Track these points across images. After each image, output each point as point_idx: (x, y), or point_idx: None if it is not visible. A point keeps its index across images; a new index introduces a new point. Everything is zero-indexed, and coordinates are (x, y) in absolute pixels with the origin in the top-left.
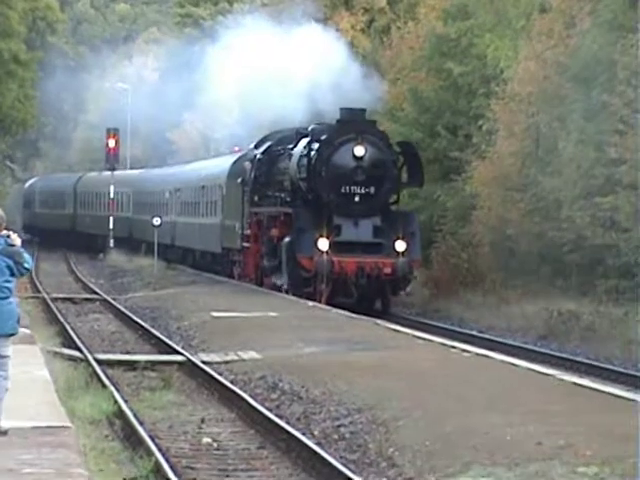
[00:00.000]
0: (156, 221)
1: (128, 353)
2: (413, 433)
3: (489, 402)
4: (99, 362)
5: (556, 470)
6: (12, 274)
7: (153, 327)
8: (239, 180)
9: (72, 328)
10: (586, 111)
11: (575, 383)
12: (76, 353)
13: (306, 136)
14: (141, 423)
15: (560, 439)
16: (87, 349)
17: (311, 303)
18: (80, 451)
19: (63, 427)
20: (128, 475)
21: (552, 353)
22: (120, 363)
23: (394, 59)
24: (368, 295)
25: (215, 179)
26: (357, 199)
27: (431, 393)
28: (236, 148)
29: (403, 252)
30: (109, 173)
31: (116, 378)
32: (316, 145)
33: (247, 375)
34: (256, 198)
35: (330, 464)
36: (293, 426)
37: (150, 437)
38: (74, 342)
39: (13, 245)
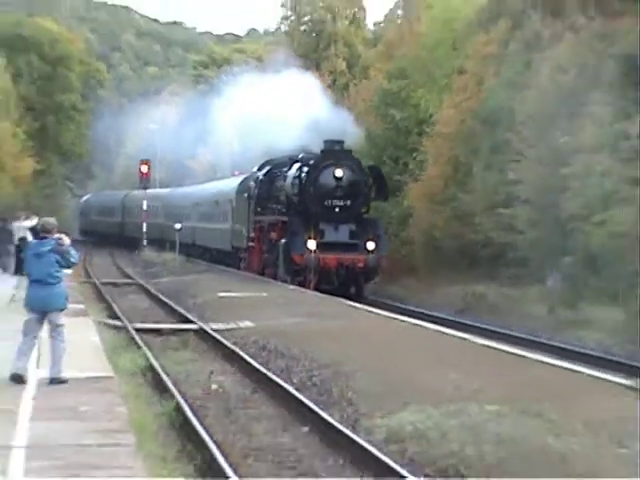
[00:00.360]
0: (177, 226)
1: (157, 323)
2: (366, 381)
3: (422, 359)
4: (136, 330)
5: (471, 408)
6: (61, 266)
7: (175, 304)
8: (245, 195)
9: (115, 305)
10: (492, 145)
11: (484, 345)
12: (118, 323)
13: (297, 162)
14: (166, 374)
15: (474, 385)
16: (127, 320)
17: (292, 287)
18: (121, 395)
19: (109, 377)
20: (156, 412)
21: (467, 323)
22: (151, 330)
23: (352, 108)
24: (345, 283)
25: (226, 195)
26: (337, 210)
27: (379, 352)
28: (236, 172)
29: (373, 250)
30: (147, 192)
31: (148, 341)
32: (305, 169)
33: (243, 339)
34: (259, 209)
35: (305, 404)
36: (278, 376)
37: (172, 384)
38: (117, 315)
39: (62, 245)
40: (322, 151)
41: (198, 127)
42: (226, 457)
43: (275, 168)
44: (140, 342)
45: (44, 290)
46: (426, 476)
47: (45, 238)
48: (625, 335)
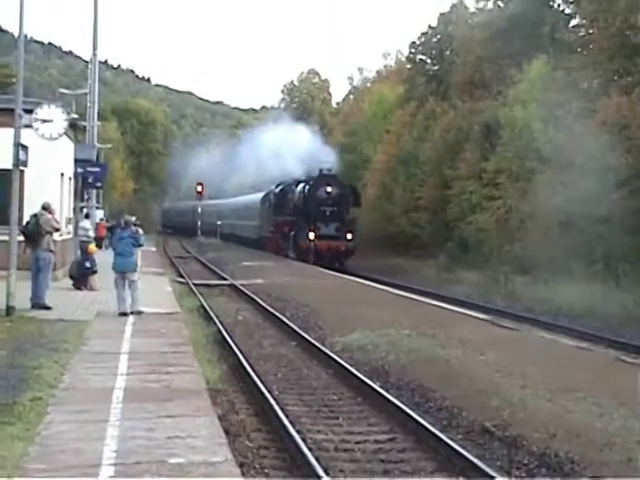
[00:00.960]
0: (219, 222)
1: (206, 279)
2: (330, 316)
3: (363, 302)
4: (193, 284)
5: (391, 331)
6: (134, 245)
7: (217, 268)
8: (267, 204)
9: (182, 269)
10: (406, 176)
11: (399, 295)
12: (183, 280)
13: (302, 182)
14: (211, 310)
15: (394, 318)
16: (188, 278)
17: (287, 260)
18: (185, 322)
19: (177, 312)
20: (205, 333)
21: (390, 281)
22: (202, 284)
23: None
24: (332, 260)
25: (254, 203)
26: (328, 213)
27: (340, 300)
28: (251, 191)
29: (350, 239)
30: (200, 202)
31: (201, 291)
32: (307, 187)
33: (257, 289)
34: (275, 212)
35: (293, 328)
36: (277, 311)
37: (215, 316)
38: (182, 275)
39: (137, 233)
40: (318, 175)
41: (230, 163)
42: (247, 359)
43: (286, 186)
44: (196, 291)
45: (123, 259)
46: (358, 368)
47: (125, 228)
48: (482, 289)
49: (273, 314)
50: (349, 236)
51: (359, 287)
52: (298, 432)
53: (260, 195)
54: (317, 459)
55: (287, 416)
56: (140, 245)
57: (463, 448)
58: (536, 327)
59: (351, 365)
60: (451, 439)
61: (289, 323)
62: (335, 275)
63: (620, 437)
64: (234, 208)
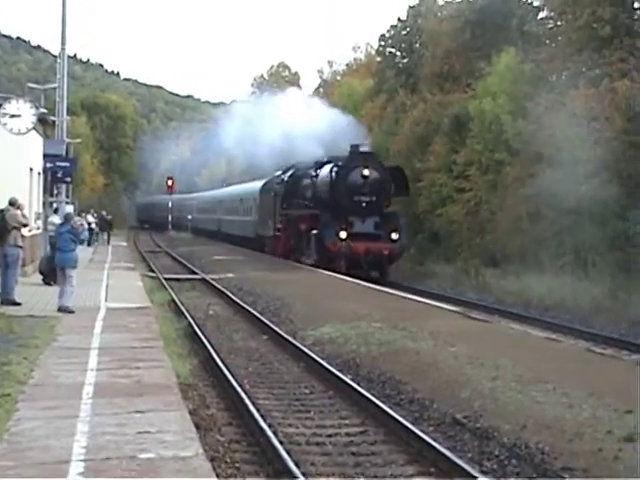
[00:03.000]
0: (189, 217)
1: (177, 274)
2: (302, 309)
3: (334, 296)
4: (164, 278)
5: (362, 324)
6: (73, 241)
7: (187, 262)
8: (272, 194)
9: (153, 263)
10: None
11: (370, 288)
12: (154, 274)
13: (327, 164)
14: (182, 304)
15: (365, 311)
16: (159, 272)
17: (258, 254)
18: (155, 317)
19: (147, 307)
20: (176, 327)
21: (362, 274)
22: (173, 279)
23: None
24: (371, 268)
25: (249, 195)
26: (364, 205)
27: (311, 293)
28: (224, 183)
29: (396, 240)
30: (179, 196)
31: (171, 285)
32: (336, 169)
33: (228, 283)
34: (284, 205)
35: (265, 322)
36: (248, 305)
37: (186, 310)
38: (153, 269)
39: (76, 228)
40: (350, 153)
41: (200, 157)
42: (218, 353)
43: (301, 171)
44: (167, 285)
45: (62, 254)
46: (329, 361)
47: (65, 224)
48: (453, 281)
49: (244, 308)
50: (394, 235)
51: (331, 280)
52: (269, 426)
53: (258, 184)
54: (288, 453)
55: (258, 410)
56: (81, 241)
57: (434, 440)
58: (507, 319)
59: (322, 358)
60: (422, 431)
61: (260, 317)
62: (307, 269)
63: (590, 427)
64: (219, 201)
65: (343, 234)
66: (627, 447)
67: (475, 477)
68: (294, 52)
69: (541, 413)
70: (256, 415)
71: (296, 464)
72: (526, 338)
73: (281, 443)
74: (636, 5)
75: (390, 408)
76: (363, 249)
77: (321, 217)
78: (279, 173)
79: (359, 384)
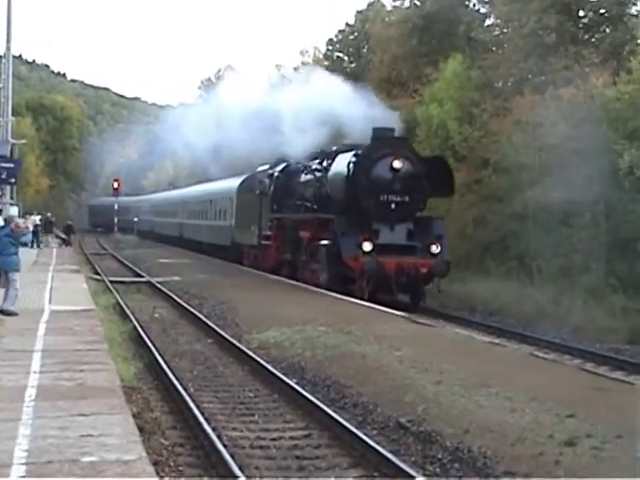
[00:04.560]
0: (135, 219)
1: (122, 276)
2: (247, 313)
3: (282, 300)
4: (109, 281)
5: (308, 328)
6: (13, 244)
7: (133, 265)
8: (257, 192)
9: (98, 266)
10: None
11: (316, 292)
12: (99, 277)
13: (340, 153)
14: (127, 307)
15: (311, 315)
16: (104, 275)
17: (204, 257)
18: (100, 320)
19: (92, 310)
20: (121, 330)
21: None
22: (119, 282)
23: None
24: (405, 289)
25: (224, 194)
26: (393, 206)
27: (257, 297)
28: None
29: (436, 253)
30: (122, 199)
31: (117, 288)
32: (355, 160)
33: (174, 286)
34: (275, 206)
35: (210, 326)
36: (194, 309)
37: (131, 313)
38: (98, 272)
39: (17, 231)
40: (374, 139)
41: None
42: (162, 357)
43: (294, 164)
44: (112, 288)
45: (2, 258)
46: (274, 365)
47: (4, 227)
48: None
49: (190, 311)
50: (434, 248)
51: (277, 284)
52: (213, 429)
53: (234, 182)
54: (232, 456)
55: (202, 413)
56: (21, 244)
57: (378, 444)
58: (452, 323)
59: (267, 362)
60: (366, 435)
61: (206, 320)
62: (253, 272)
63: (532, 432)
64: (181, 202)
65: (367, 246)
66: (568, 451)
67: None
68: (241, 55)
69: (484, 417)
70: (200, 418)
71: (240, 468)
72: (470, 342)
73: (225, 447)
74: (581, 13)
75: (334, 412)
76: (394, 266)
77: (336, 223)
78: (264, 168)
79: (304, 388)
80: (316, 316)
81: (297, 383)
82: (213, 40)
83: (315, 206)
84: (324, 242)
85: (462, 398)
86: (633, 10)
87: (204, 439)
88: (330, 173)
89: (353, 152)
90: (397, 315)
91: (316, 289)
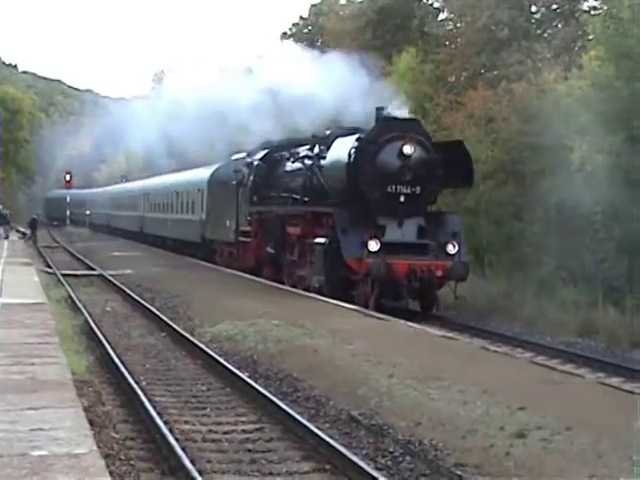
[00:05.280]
0: (87, 212)
1: (74, 270)
2: (200, 306)
3: (235, 294)
4: (61, 274)
5: (261, 321)
6: None
7: (85, 258)
8: (234, 183)
9: (50, 259)
10: None
11: (270, 285)
12: (51, 270)
13: (336, 138)
14: (79, 301)
15: (266, 310)
16: (56, 268)
17: (155, 250)
18: (51, 313)
19: (44, 303)
20: (73, 324)
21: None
22: (71, 275)
23: None
24: (416, 295)
25: (192, 185)
26: (402, 199)
27: (210, 291)
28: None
29: (453, 254)
30: (75, 191)
31: (69, 281)
32: (357, 145)
33: (127, 280)
34: (255, 198)
35: (163, 319)
36: (147, 302)
37: (83, 307)
38: (50, 265)
39: None
40: (382, 119)
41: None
42: (114, 350)
43: (276, 151)
44: (64, 281)
45: None
46: (227, 358)
47: None
48: None
49: (142, 305)
50: (450, 248)
51: (230, 278)
52: (165, 423)
53: (205, 172)
54: (184, 450)
55: (154, 407)
56: None
57: (330, 437)
58: (404, 317)
59: (220, 355)
60: (318, 428)
61: (158, 313)
62: (206, 266)
63: (483, 424)
64: (142, 194)
65: (374, 245)
66: (518, 443)
67: (369, 473)
68: (194, 49)
69: (436, 410)
70: (152, 412)
71: (192, 461)
72: (423, 336)
73: (177, 440)
74: (533, 9)
75: (287, 405)
76: (405, 269)
77: (336, 218)
78: (240, 156)
79: (256, 381)
80: (269, 310)
81: (249, 376)
82: (166, 31)
83: (305, 198)
84: (319, 240)
85: (414, 391)
86: (585, 6)
87: (156, 432)
88: (326, 160)
89: (356, 136)
90: (350, 309)
91: (271, 283)
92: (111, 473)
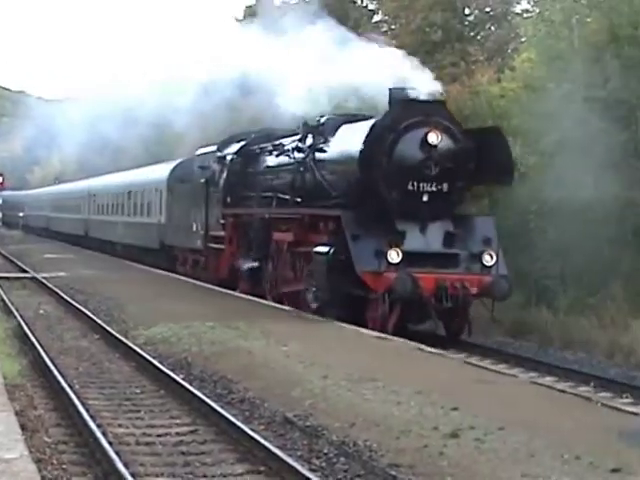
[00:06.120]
0: (20, 214)
1: (6, 272)
2: (134, 309)
3: (170, 296)
4: None
5: (196, 323)
6: None
7: (18, 260)
8: (202, 181)
9: None
10: None
11: (205, 287)
12: None
13: (340, 125)
14: (12, 304)
15: (200, 312)
16: None
17: (90, 252)
18: None
19: None
20: (5, 327)
21: (197, 275)
22: (3, 277)
23: None
24: (445, 318)
25: (149, 185)
26: (426, 198)
27: (145, 293)
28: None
29: (489, 265)
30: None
31: (0, 284)
32: (368, 131)
33: (60, 282)
34: (229, 199)
35: (97, 322)
36: (80, 305)
37: (15, 310)
38: None
39: None
40: (397, 102)
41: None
42: (47, 353)
43: (254, 144)
44: None
45: None
46: (161, 361)
47: None
48: None
49: (76, 307)
50: (487, 259)
51: (166, 280)
52: (98, 426)
53: (163, 168)
54: (117, 453)
55: (87, 410)
56: None
57: (264, 439)
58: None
59: (154, 358)
60: (253, 430)
61: (92, 316)
62: (140, 268)
63: (417, 424)
64: (88, 195)
65: (395, 255)
66: (451, 443)
67: (303, 474)
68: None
69: (370, 411)
70: (85, 415)
71: (125, 465)
72: (358, 337)
73: (110, 444)
74: (467, 11)
75: (221, 407)
76: (433, 284)
77: (344, 222)
78: (208, 150)
79: (191, 383)
80: (204, 312)
81: (184, 379)
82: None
83: (297, 198)
84: (321, 249)
85: (349, 392)
86: (517, 9)
87: (89, 436)
88: (329, 152)
89: (372, 121)
90: (284, 310)
91: (205, 285)
92: (43, 478)
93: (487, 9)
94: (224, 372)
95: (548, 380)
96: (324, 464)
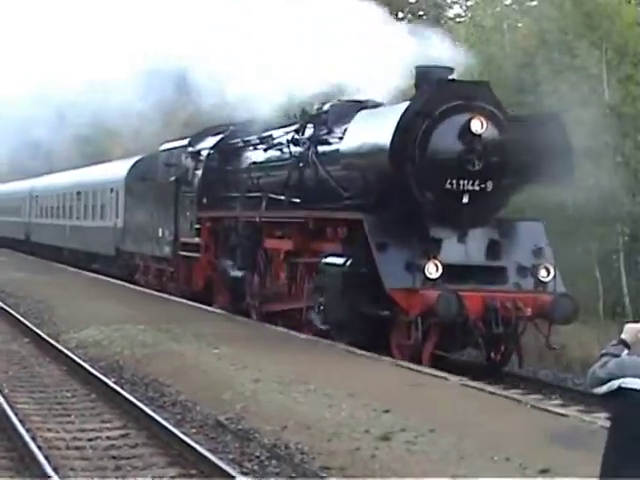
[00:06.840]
0: None
1: None
2: (66, 312)
3: (102, 298)
4: None
5: (128, 326)
6: None
7: None
8: (172, 179)
9: None
10: None
11: (136, 290)
12: None
13: (359, 110)
14: None
15: (131, 313)
16: None
17: (20, 254)
18: None
19: None
20: None
21: (129, 278)
22: None
23: None
24: (491, 345)
25: (103, 184)
26: (466, 199)
27: (77, 295)
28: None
29: (545, 281)
30: None
31: None
32: (400, 117)
33: None
34: (205, 200)
35: (27, 325)
36: (10, 308)
37: None
38: None
39: None
40: (429, 83)
41: None
42: None
43: (235, 136)
44: None
45: None
46: (92, 364)
47: None
48: None
49: (5, 310)
50: (543, 273)
51: (97, 283)
52: (27, 431)
53: (120, 166)
54: (47, 458)
55: (16, 414)
56: None
57: (196, 442)
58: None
59: (85, 361)
60: (184, 433)
61: (22, 319)
62: (73, 271)
63: (348, 427)
64: (30, 195)
65: (433, 268)
66: (383, 445)
67: (234, 477)
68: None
69: (302, 413)
70: (14, 419)
71: (55, 469)
72: (289, 339)
73: (39, 448)
74: (400, 15)
75: (153, 411)
76: (480, 304)
77: (368, 227)
78: (177, 144)
79: (122, 387)
80: (136, 314)
81: (115, 382)
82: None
83: (294, 199)
84: (335, 260)
85: (280, 395)
86: (450, 13)
87: (18, 440)
88: (340, 144)
89: (405, 105)
90: (216, 313)
91: (136, 287)
92: None
93: (420, 13)
94: (156, 375)
95: (478, 382)
96: (256, 467)
